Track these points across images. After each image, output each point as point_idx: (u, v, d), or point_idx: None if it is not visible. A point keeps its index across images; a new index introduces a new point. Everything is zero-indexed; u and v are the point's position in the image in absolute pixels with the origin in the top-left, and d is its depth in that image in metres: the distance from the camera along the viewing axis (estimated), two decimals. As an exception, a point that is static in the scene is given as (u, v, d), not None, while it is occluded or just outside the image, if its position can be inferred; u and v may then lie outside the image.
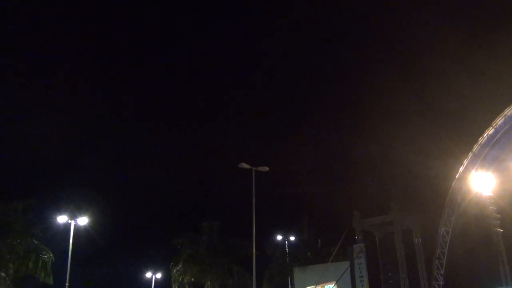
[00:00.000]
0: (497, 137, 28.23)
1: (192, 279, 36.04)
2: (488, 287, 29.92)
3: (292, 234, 41.78)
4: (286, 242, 41.59)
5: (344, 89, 66.25)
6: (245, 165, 25.26)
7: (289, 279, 39.85)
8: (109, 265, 48.38)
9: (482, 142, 28.95)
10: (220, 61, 77.87)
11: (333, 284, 35.77)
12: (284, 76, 77.57)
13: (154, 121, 73.49)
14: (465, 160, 29.98)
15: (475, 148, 29.31)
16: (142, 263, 48.31)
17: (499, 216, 23.28)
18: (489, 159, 28.75)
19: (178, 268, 36.31)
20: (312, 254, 41.01)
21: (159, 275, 47.84)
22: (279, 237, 41.42)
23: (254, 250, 25.34)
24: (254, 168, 25.46)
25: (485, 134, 28.71)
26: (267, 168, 25.89)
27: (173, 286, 37.19)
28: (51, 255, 25.94)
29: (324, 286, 36.88)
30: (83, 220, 29.12)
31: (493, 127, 28.31)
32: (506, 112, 27.64)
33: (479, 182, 24.05)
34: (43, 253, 25.66)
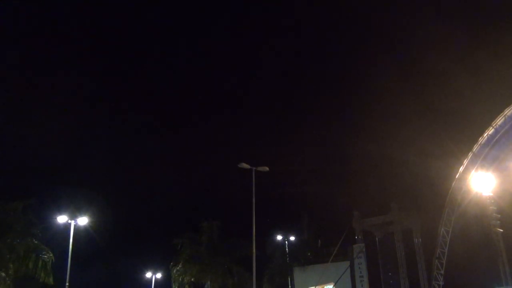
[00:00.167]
0: (497, 137, 28.25)
1: (192, 279, 36.06)
2: (488, 287, 29.93)
3: (292, 234, 41.78)
4: (286, 242, 41.58)
5: (344, 89, 66.20)
6: (245, 165, 25.27)
7: (289, 279, 39.85)
8: (109, 265, 48.41)
9: (482, 142, 28.96)
10: (220, 61, 77.89)
11: (332, 285, 35.78)
12: (284, 76, 77.54)
13: (154, 121, 73.43)
14: (465, 160, 30.00)
15: (475, 148, 29.32)
16: (142, 263, 48.29)
17: (499, 216, 23.28)
18: (489, 159, 28.76)
19: (178, 268, 36.34)
20: (312, 254, 41.01)
21: (159, 275, 47.83)
22: (279, 237, 41.41)
23: (254, 250, 25.33)
24: (254, 168, 25.46)
25: (485, 134, 28.72)
26: (267, 168, 25.89)
27: (173, 286, 37.22)
28: (51, 255, 25.94)
29: (324, 287, 36.91)
30: (83, 220, 29.11)
31: (493, 127, 28.33)
32: (506, 112, 27.66)
33: (479, 182, 24.03)
34: (43, 253, 25.66)
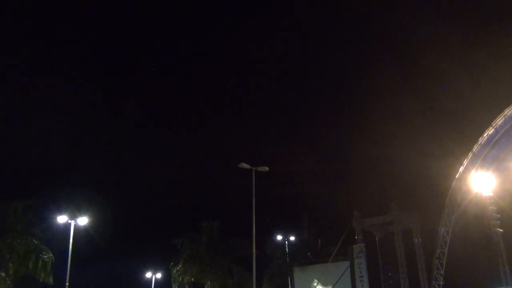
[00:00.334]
0: (497, 137, 28.26)
1: (192, 279, 36.01)
2: (488, 287, 29.92)
3: (292, 234, 41.78)
4: (286, 242, 41.58)
5: (344, 89, 66.26)
6: (245, 165, 25.28)
7: (289, 279, 39.84)
8: (109, 265, 48.42)
9: (482, 142, 28.97)
10: (220, 61, 77.91)
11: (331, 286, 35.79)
12: (284, 76, 77.64)
13: (154, 121, 73.52)
14: (465, 160, 30.01)
15: (475, 148, 29.33)
16: (142, 263, 48.32)
17: (499, 216, 23.25)
18: (489, 159, 28.77)
19: (178, 268, 36.30)
20: (312, 254, 41.01)
21: (159, 275, 47.83)
22: (279, 237, 41.41)
23: (254, 250, 25.34)
24: (254, 168, 25.47)
25: (485, 134, 28.73)
26: (267, 168, 25.90)
27: (173, 286, 37.18)
28: (51, 255, 25.89)
29: None
30: (83, 220, 29.13)
31: (493, 127, 28.33)
32: (506, 112, 27.66)
33: (479, 182, 24.01)
34: (43, 253, 25.61)
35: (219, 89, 78.48)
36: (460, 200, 30.87)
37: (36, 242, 25.79)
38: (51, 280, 25.71)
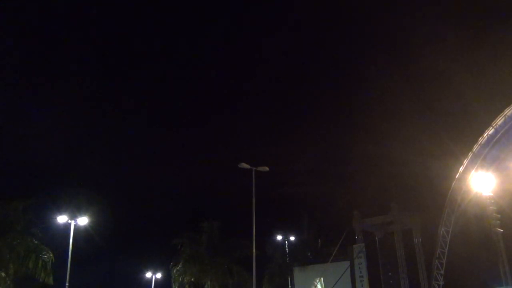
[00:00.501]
0: (497, 137, 28.21)
1: (192, 279, 36.02)
2: (488, 287, 29.91)
3: (292, 234, 41.78)
4: (286, 242, 41.58)
5: (344, 89, 66.30)
6: (245, 165, 25.28)
7: (289, 279, 39.84)
8: (109, 265, 48.44)
9: (482, 142, 28.93)
10: (220, 61, 77.95)
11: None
12: (284, 76, 77.65)
13: (154, 121, 73.62)
14: (465, 160, 29.97)
15: (475, 148, 29.29)
16: (142, 263, 48.32)
17: (499, 216, 23.22)
18: (489, 159, 28.73)
19: (178, 268, 36.31)
20: (312, 254, 41.01)
21: (159, 275, 47.84)
22: (279, 237, 41.41)
23: (254, 250, 25.35)
24: (254, 168, 25.47)
25: (485, 134, 28.69)
26: (267, 168, 25.90)
27: (173, 286, 37.20)
28: (51, 255, 25.88)
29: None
30: (83, 220, 29.13)
31: (493, 127, 28.29)
32: (506, 112, 27.61)
33: (479, 182, 24.00)
34: (43, 253, 25.60)
35: (219, 89, 78.52)
36: (460, 200, 30.84)
37: (36, 242, 25.78)
38: (51, 280, 25.70)
